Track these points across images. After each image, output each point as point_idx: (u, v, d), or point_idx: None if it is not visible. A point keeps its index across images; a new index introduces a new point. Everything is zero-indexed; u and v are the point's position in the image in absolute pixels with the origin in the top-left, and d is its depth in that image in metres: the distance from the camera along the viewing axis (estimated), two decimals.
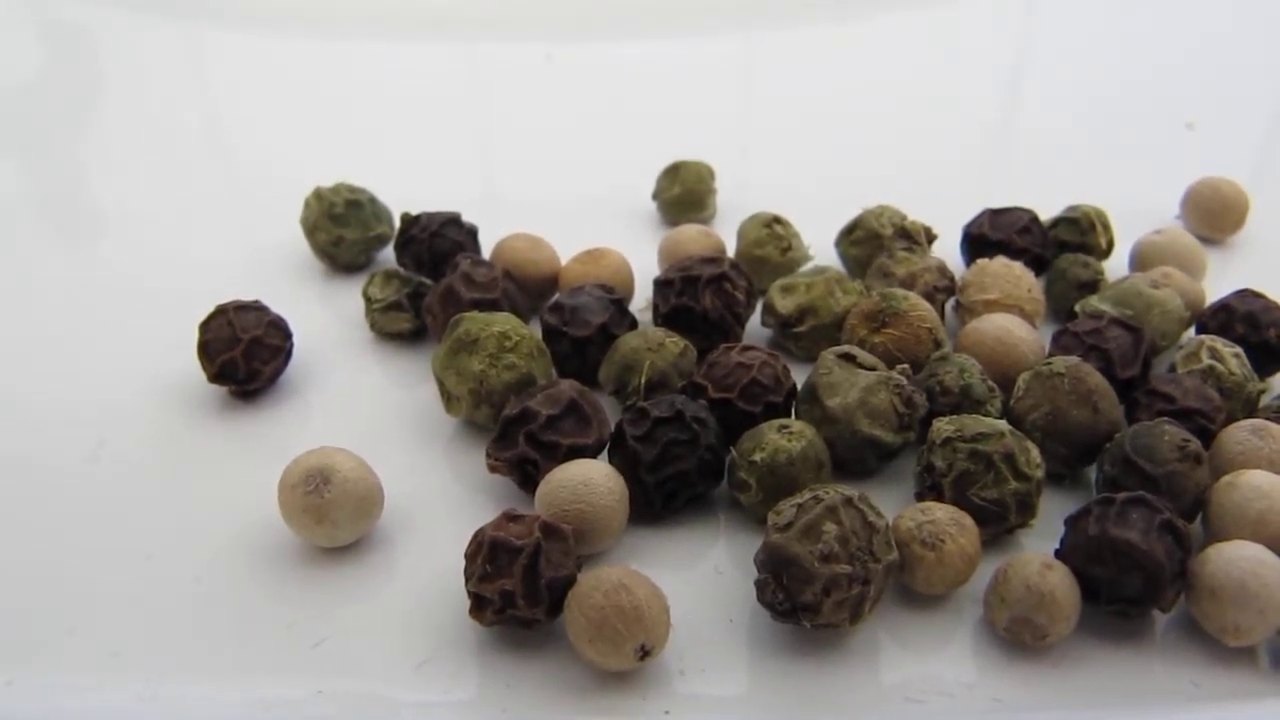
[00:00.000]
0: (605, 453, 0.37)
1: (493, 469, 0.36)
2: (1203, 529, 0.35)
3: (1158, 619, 0.33)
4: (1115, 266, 0.47)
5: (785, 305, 0.42)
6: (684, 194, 0.52)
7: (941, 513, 0.33)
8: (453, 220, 0.47)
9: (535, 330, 0.41)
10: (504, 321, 0.39)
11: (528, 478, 0.36)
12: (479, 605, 0.32)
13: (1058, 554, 0.33)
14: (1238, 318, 0.41)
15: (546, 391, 0.37)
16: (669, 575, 0.33)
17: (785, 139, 0.61)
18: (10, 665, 0.32)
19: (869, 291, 0.42)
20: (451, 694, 0.32)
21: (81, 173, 0.61)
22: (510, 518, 0.32)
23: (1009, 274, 0.43)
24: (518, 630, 0.32)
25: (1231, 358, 0.38)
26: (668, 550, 0.36)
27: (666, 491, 0.36)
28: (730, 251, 0.47)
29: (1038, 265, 0.45)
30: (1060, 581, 0.31)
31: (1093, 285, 0.44)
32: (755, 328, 0.44)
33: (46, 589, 0.34)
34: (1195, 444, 0.34)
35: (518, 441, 0.36)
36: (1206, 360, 0.38)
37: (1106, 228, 0.47)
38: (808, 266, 0.46)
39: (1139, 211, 0.50)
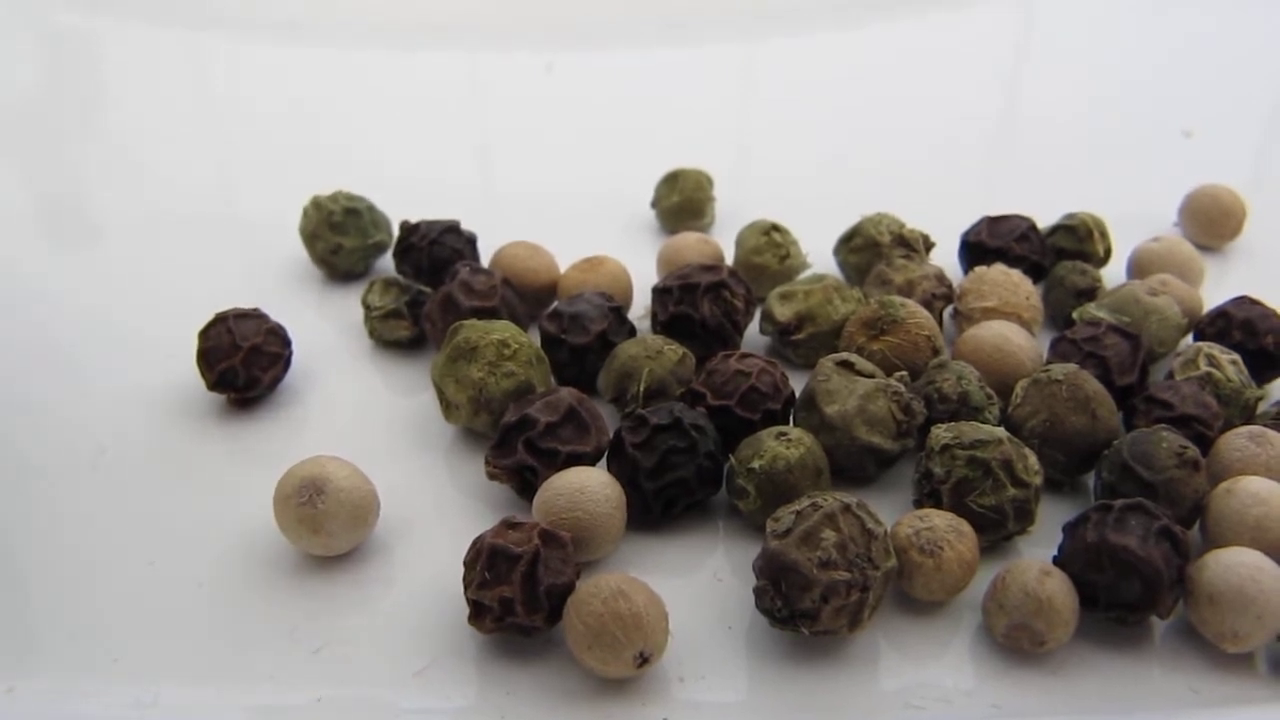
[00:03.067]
0: (604, 460, 0.37)
1: (491, 476, 0.36)
2: (1201, 535, 0.35)
3: (1156, 625, 0.33)
4: (1113, 274, 0.47)
5: (784, 313, 0.42)
6: (682, 202, 0.52)
7: (940, 520, 0.33)
8: (451, 228, 0.47)
9: (534, 338, 0.41)
10: (503, 329, 0.39)
11: (526, 485, 0.36)
12: (478, 612, 0.32)
13: (1056, 560, 0.33)
14: (1235, 325, 0.41)
15: (545, 399, 0.37)
16: (668, 582, 0.33)
17: (783, 147, 0.61)
18: (11, 672, 0.32)
19: (867, 299, 0.42)
20: (451, 701, 0.32)
21: (81, 180, 0.61)
22: (509, 525, 0.33)
23: (1007, 281, 0.43)
24: (517, 637, 0.32)
25: (1229, 365, 0.39)
26: (666, 557, 0.36)
27: (665, 499, 0.36)
28: (729, 259, 0.47)
29: (1036, 273, 0.45)
30: (1058, 588, 0.32)
31: (1090, 293, 0.44)
32: (754, 335, 0.44)
33: (47, 595, 0.35)
34: (1193, 450, 0.35)
35: (516, 449, 0.36)
36: (1204, 367, 0.38)
37: (1104, 235, 0.47)
38: (806, 274, 0.46)
39: (1137, 219, 0.50)
